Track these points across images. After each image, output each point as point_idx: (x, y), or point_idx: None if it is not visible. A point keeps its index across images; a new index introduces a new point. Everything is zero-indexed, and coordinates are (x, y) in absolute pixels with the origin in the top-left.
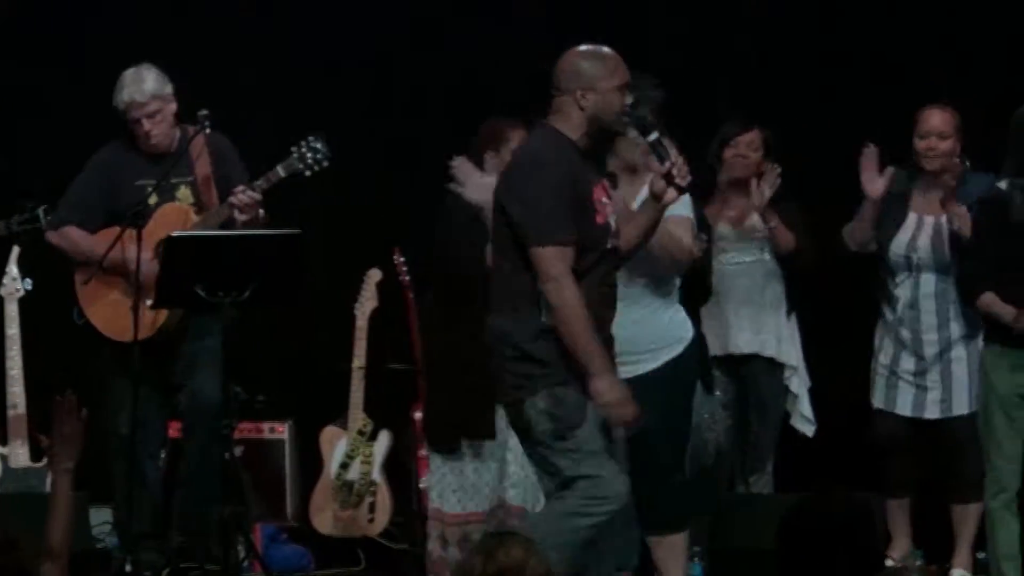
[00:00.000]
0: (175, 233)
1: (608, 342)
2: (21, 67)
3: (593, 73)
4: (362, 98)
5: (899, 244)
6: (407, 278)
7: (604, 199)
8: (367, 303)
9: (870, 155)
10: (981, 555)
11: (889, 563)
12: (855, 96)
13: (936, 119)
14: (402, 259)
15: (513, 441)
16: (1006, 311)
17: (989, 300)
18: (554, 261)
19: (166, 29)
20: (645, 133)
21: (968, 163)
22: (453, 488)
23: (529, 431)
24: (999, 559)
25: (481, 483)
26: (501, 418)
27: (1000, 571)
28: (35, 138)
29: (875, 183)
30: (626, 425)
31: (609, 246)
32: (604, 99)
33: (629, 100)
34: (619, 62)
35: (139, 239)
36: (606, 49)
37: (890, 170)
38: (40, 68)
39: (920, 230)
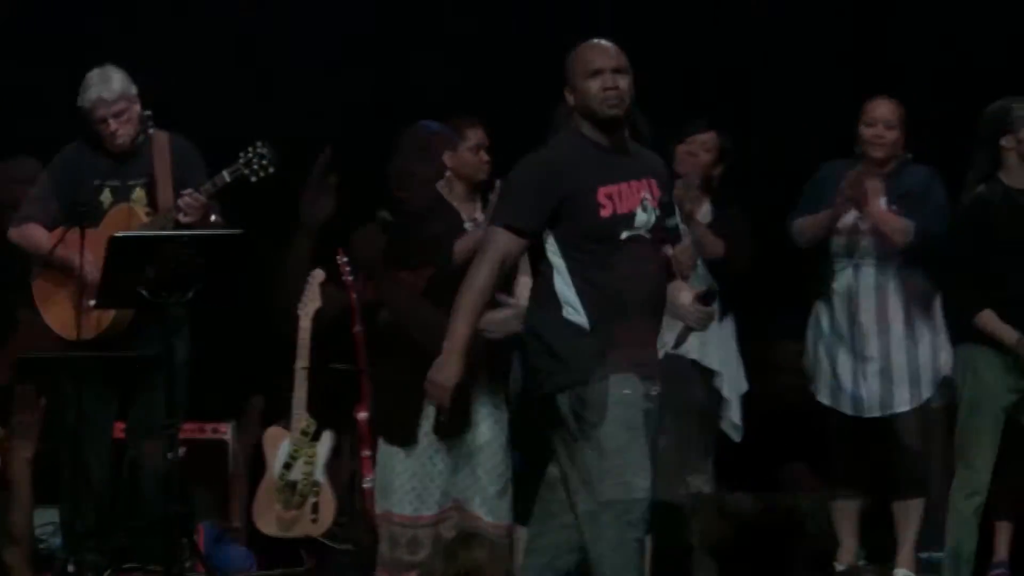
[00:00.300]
0: (118, 233)
1: (640, 327)
2: (21, 67)
3: (568, 69)
4: (362, 98)
5: (840, 230)
6: (351, 279)
7: (645, 194)
8: (310, 304)
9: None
10: (924, 555)
11: (836, 565)
12: (855, 96)
13: (883, 108)
14: (345, 260)
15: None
16: (1006, 333)
17: (989, 319)
18: (494, 242)
19: (166, 29)
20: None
21: (911, 155)
22: (405, 491)
23: (558, 425)
24: (959, 562)
25: (433, 486)
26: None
27: (958, 573)
28: (35, 138)
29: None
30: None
31: (624, 236)
32: (579, 92)
33: (608, 83)
34: (589, 50)
35: (82, 238)
36: (588, 41)
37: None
38: (40, 68)
39: (862, 217)
